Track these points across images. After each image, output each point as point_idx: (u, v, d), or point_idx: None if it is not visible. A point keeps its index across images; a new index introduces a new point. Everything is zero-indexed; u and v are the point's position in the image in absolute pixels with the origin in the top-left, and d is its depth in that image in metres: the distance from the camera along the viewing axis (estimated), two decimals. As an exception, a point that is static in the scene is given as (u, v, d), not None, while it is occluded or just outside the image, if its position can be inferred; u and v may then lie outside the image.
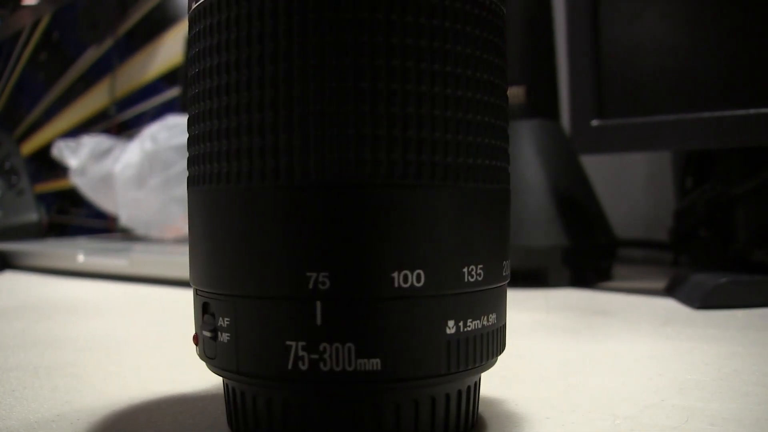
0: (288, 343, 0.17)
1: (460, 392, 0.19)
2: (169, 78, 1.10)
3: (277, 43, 0.17)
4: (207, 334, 0.19)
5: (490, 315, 0.19)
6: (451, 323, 0.18)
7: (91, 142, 0.84)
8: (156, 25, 1.11)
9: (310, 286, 0.17)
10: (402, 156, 0.17)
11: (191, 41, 0.19)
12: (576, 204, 0.56)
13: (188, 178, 0.20)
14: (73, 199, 1.05)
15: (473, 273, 0.18)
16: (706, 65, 0.46)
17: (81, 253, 0.63)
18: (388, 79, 0.17)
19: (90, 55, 1.19)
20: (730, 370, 0.27)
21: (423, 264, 0.17)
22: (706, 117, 0.44)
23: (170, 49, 1.09)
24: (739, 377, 0.26)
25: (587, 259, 0.54)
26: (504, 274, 0.20)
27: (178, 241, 0.76)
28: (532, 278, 0.53)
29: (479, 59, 0.18)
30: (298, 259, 0.17)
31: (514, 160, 0.56)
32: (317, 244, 0.17)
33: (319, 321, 0.17)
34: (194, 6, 0.19)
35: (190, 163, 0.19)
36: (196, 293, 0.20)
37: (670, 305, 0.43)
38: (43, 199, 1.10)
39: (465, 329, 0.18)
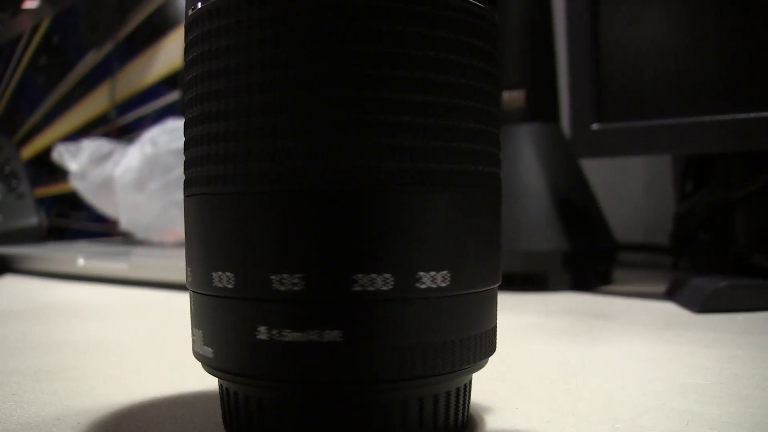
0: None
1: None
2: (169, 82, 1.10)
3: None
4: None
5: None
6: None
7: (91, 145, 0.84)
8: (156, 28, 1.12)
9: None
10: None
11: (188, 47, 0.19)
12: (576, 208, 0.56)
13: (184, 180, 0.20)
14: (73, 202, 1.05)
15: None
16: (706, 69, 0.46)
17: (81, 256, 0.63)
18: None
19: (90, 59, 1.19)
20: (730, 373, 0.27)
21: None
22: (706, 121, 0.44)
23: (170, 52, 1.09)
24: (739, 381, 0.26)
25: (587, 262, 0.54)
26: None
27: (178, 244, 0.76)
28: (532, 282, 0.53)
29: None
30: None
31: (514, 163, 0.56)
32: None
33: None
34: (191, 12, 0.19)
35: (186, 166, 0.20)
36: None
37: (670, 309, 0.43)
38: (43, 202, 1.10)
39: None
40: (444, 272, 0.18)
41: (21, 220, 0.86)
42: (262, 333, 0.17)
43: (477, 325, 0.19)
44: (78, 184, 0.84)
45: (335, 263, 0.17)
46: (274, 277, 0.17)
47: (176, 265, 0.56)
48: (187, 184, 0.20)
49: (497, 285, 0.20)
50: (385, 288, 0.17)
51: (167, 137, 0.77)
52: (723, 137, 0.44)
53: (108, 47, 1.16)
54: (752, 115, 0.43)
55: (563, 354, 0.32)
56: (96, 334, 0.38)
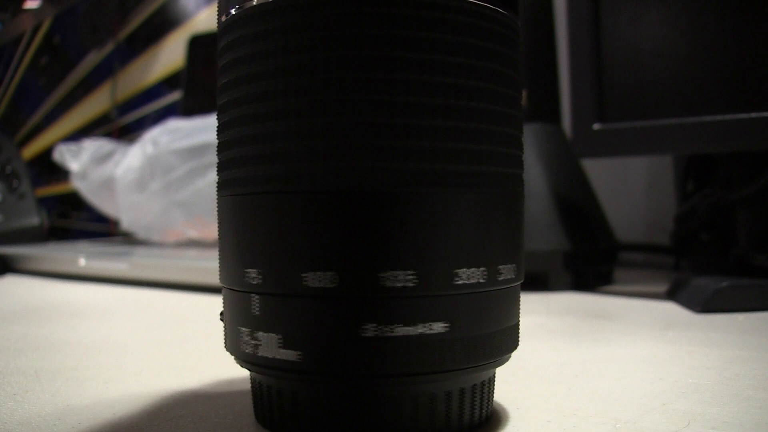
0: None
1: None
2: (170, 82, 1.10)
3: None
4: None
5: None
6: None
7: (92, 146, 0.84)
8: (157, 29, 1.12)
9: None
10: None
11: (222, 51, 0.20)
12: (577, 208, 0.56)
13: (218, 182, 0.20)
14: (74, 203, 1.05)
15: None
16: (708, 69, 0.46)
17: (82, 256, 0.63)
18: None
19: (91, 59, 1.19)
20: (731, 374, 0.27)
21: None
22: (707, 121, 0.44)
23: (171, 53, 1.09)
24: (740, 381, 0.26)
25: (588, 263, 0.54)
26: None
27: (178, 245, 0.76)
28: (533, 282, 0.53)
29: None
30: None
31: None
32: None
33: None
34: (227, 16, 0.19)
35: (220, 168, 0.20)
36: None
37: (671, 309, 0.43)
38: (44, 202, 1.10)
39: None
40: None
41: (22, 220, 0.86)
42: (370, 330, 0.18)
43: (506, 319, 0.20)
44: (79, 184, 0.84)
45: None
46: (385, 275, 0.17)
47: (177, 265, 0.56)
48: (243, 182, 0.19)
49: (521, 281, 0.21)
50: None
51: (168, 137, 0.77)
52: (724, 137, 0.44)
53: (109, 47, 1.17)
54: (753, 115, 0.43)
55: (564, 354, 0.32)
56: (97, 335, 0.38)
